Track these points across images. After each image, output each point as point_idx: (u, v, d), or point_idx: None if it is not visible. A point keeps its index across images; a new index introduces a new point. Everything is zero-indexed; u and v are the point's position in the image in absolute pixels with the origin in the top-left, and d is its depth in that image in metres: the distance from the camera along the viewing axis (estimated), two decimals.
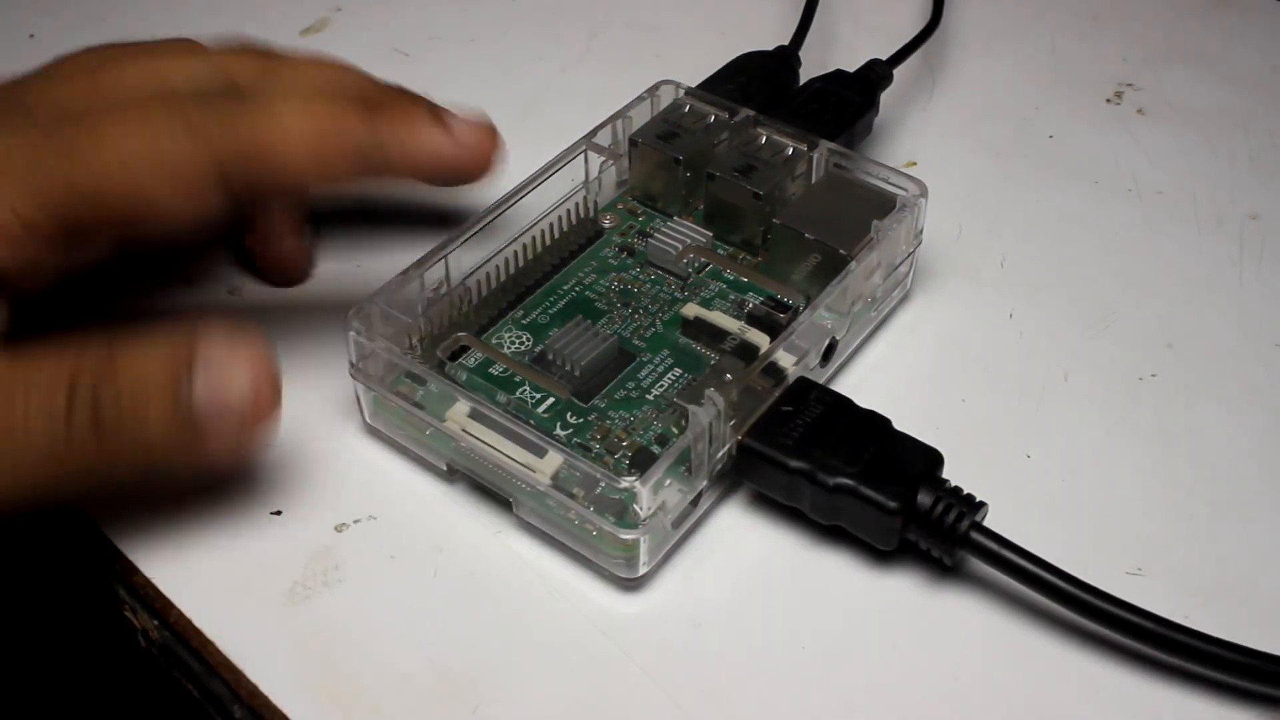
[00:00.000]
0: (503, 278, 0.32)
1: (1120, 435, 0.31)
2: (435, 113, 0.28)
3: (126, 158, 0.26)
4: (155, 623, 0.27)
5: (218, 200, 0.27)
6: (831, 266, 0.31)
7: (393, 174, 0.28)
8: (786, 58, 0.39)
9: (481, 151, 0.28)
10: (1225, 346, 0.33)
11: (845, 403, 0.29)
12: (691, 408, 0.27)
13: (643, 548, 0.27)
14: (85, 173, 0.26)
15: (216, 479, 0.29)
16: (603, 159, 0.34)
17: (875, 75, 0.38)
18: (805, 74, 0.38)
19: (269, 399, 0.26)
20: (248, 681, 0.26)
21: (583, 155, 0.34)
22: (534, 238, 0.33)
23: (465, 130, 0.28)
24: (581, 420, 0.29)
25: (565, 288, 0.33)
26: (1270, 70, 0.42)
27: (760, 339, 0.30)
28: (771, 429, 0.28)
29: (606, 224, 0.35)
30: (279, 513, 0.29)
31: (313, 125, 0.27)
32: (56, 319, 0.28)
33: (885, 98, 0.38)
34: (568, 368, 0.30)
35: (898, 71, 0.39)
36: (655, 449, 0.29)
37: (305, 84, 0.28)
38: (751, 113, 0.35)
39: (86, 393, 0.24)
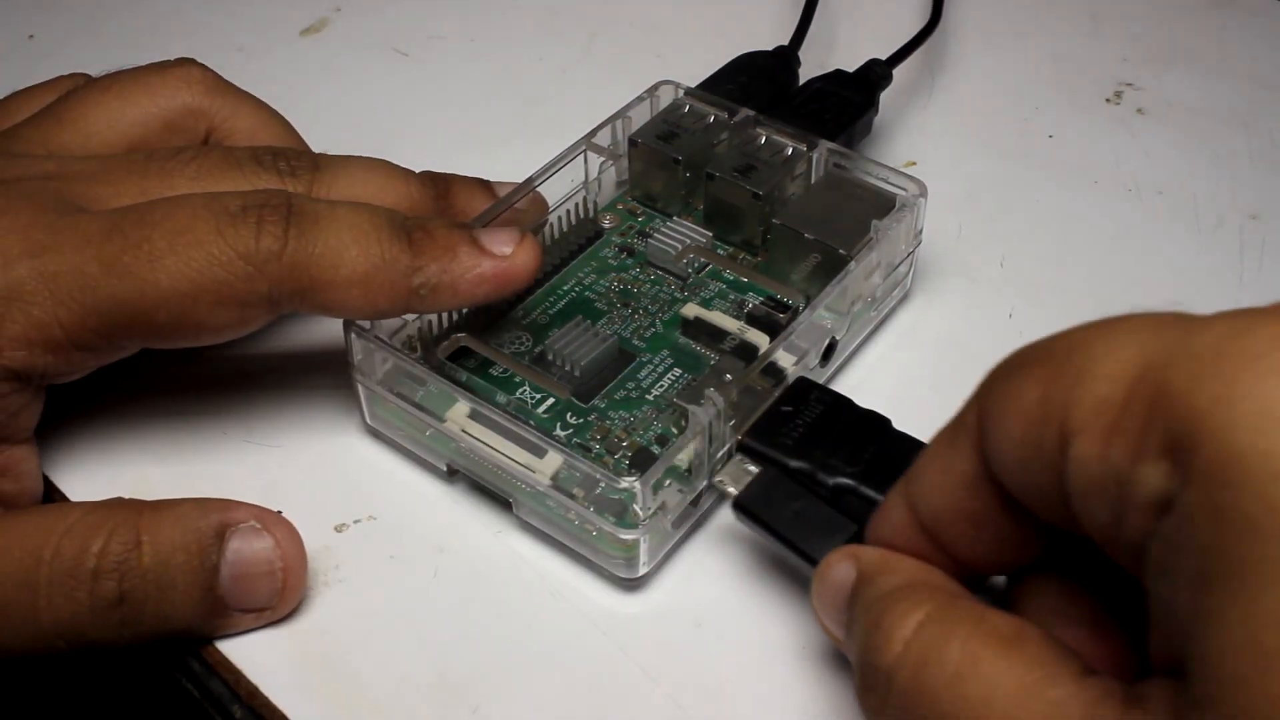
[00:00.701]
0: None
1: None
2: (473, 238, 0.28)
3: (180, 284, 0.25)
4: None
5: (263, 320, 0.27)
6: (831, 266, 0.31)
7: (437, 310, 0.28)
8: (786, 58, 0.39)
9: (521, 263, 0.28)
10: None
11: (845, 402, 0.29)
12: (691, 408, 0.27)
13: (643, 548, 0.27)
14: (136, 293, 0.25)
15: (216, 479, 0.30)
16: (602, 159, 0.34)
17: (875, 75, 0.38)
18: (805, 74, 0.38)
19: (295, 578, 0.26)
20: (248, 681, 0.26)
21: (582, 155, 0.34)
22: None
23: (503, 246, 0.28)
24: (581, 420, 0.29)
25: (565, 288, 0.33)
26: (1270, 70, 0.42)
27: (760, 339, 0.30)
28: (771, 429, 0.28)
29: (606, 224, 0.35)
30: (279, 513, 0.29)
31: (364, 262, 0.26)
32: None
33: (885, 98, 0.38)
34: (568, 368, 0.30)
35: (897, 71, 0.39)
36: (655, 449, 0.29)
37: (354, 201, 0.28)
38: (751, 113, 0.35)
39: (112, 571, 0.25)
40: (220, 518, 0.26)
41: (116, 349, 0.27)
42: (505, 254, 0.28)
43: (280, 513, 0.27)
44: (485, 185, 0.33)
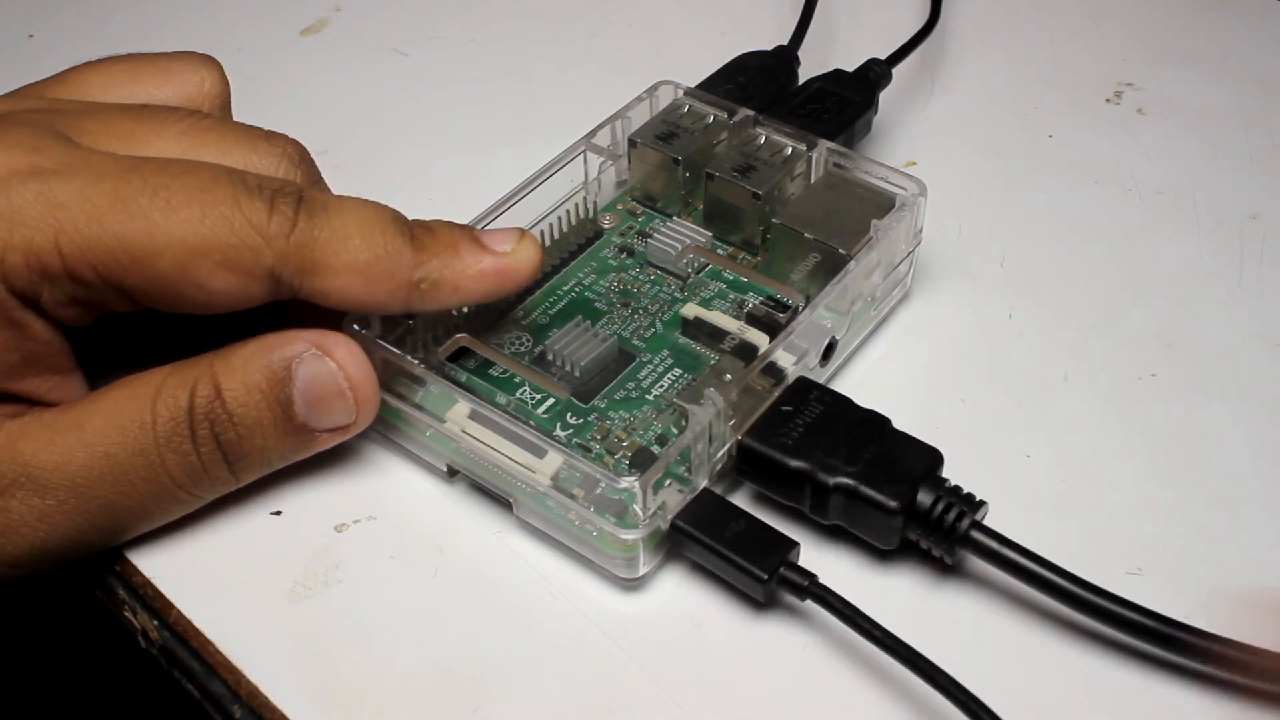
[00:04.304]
0: None
1: (1120, 435, 0.31)
2: (475, 236, 0.28)
3: (190, 237, 0.25)
4: (155, 623, 0.27)
5: (260, 297, 0.27)
6: (831, 266, 0.31)
7: (441, 307, 0.29)
8: (786, 57, 0.39)
9: (522, 261, 0.28)
10: (1225, 346, 0.33)
11: (845, 402, 0.29)
12: (691, 408, 0.27)
13: (643, 548, 0.27)
14: (144, 235, 0.25)
15: None
16: (602, 159, 0.34)
17: (874, 75, 0.38)
18: (804, 74, 0.38)
19: (365, 391, 0.28)
20: (248, 681, 0.26)
21: (582, 156, 0.34)
22: None
23: (504, 244, 0.28)
24: (581, 421, 0.29)
25: (565, 288, 0.33)
26: (1270, 70, 0.42)
27: (760, 339, 0.30)
28: (771, 429, 0.28)
29: (606, 224, 0.35)
30: (279, 513, 0.29)
31: (366, 251, 0.27)
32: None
33: (885, 97, 0.38)
34: (568, 368, 0.30)
35: (897, 71, 0.39)
36: (655, 449, 0.29)
37: (358, 201, 0.28)
38: (750, 113, 0.35)
39: (204, 422, 0.27)
40: (282, 353, 0.27)
41: (110, 295, 0.26)
42: (506, 251, 0.28)
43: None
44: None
